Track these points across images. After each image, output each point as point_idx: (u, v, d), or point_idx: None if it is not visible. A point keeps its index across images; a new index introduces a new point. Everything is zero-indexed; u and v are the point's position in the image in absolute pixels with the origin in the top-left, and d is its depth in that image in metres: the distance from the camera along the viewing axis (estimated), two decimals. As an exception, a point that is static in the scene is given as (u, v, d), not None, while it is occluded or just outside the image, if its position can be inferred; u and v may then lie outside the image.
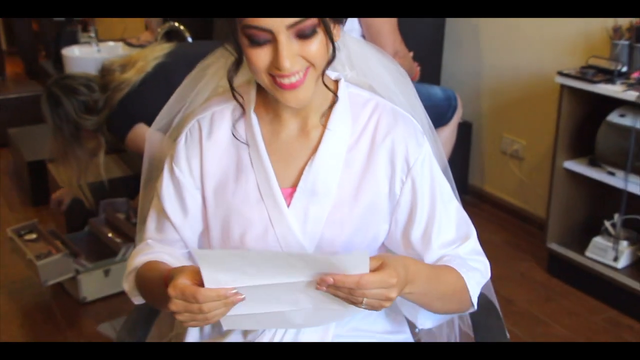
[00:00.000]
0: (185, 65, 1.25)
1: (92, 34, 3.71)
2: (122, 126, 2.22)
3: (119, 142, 2.31)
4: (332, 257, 0.94)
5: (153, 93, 1.25)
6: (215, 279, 0.94)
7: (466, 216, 1.20)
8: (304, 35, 1.00)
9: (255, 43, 1.01)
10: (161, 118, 1.31)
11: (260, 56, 1.01)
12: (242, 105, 1.14)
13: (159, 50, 2.28)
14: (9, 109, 4.04)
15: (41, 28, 5.30)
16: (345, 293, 0.95)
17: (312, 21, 0.99)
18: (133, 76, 2.20)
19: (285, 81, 1.02)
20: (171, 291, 0.96)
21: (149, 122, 1.31)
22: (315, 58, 1.02)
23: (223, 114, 1.17)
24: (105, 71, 2.27)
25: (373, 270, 0.96)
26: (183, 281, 0.96)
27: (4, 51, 5.66)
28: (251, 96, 1.15)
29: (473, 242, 1.19)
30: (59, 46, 3.68)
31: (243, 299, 0.96)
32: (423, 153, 1.15)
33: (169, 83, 1.25)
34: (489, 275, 1.19)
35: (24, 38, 5.28)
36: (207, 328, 1.22)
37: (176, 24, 3.05)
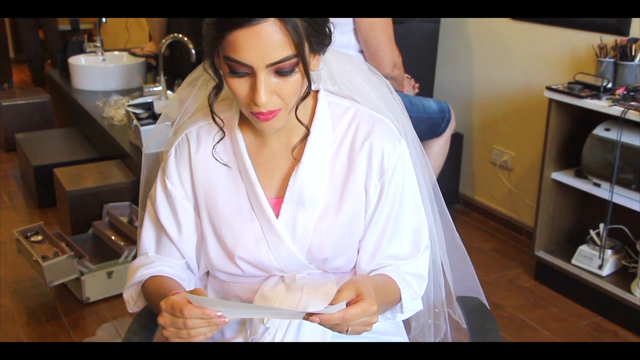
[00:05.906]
0: None
1: (98, 44, 3.78)
2: None
3: None
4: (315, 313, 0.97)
5: None
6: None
7: (425, 230, 1.21)
8: (282, 73, 1.01)
9: (235, 74, 1.02)
10: (154, 135, 1.32)
11: (239, 86, 1.02)
12: (222, 129, 1.14)
13: None
14: (17, 115, 4.07)
15: (47, 37, 5.33)
16: (331, 325, 0.98)
17: (291, 61, 1.00)
18: None
19: (261, 115, 1.04)
20: (162, 304, 0.99)
21: None
22: (288, 97, 1.04)
23: (210, 128, 1.17)
24: None
25: (352, 302, 0.98)
26: (175, 297, 0.99)
27: (11, 59, 5.72)
28: (234, 110, 1.16)
29: (422, 261, 1.21)
30: (66, 55, 3.75)
31: (226, 322, 0.99)
32: (397, 159, 1.15)
33: None
34: (422, 294, 1.22)
35: (31, 46, 5.29)
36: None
37: (180, 36, 3.05)
